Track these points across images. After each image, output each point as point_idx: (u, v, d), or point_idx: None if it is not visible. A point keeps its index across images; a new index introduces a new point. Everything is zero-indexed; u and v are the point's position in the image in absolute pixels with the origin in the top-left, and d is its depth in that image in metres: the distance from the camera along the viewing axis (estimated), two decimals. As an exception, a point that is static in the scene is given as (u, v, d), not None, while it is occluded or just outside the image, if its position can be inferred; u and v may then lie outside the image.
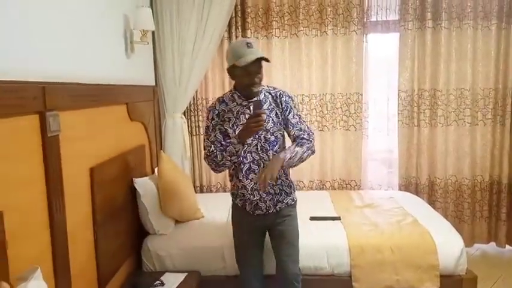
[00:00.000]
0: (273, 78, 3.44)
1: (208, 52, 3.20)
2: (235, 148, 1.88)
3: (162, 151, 2.95)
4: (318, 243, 2.38)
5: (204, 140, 2.02)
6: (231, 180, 2.12)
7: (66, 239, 1.64)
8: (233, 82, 2.05)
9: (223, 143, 1.95)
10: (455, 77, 3.39)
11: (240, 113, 1.98)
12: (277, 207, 2.06)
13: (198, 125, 3.53)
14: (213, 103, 2.05)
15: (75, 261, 1.70)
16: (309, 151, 2.02)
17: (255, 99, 1.94)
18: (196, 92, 3.43)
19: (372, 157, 3.72)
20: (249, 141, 1.94)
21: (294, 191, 2.15)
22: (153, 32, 3.01)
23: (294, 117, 2.01)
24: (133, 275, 2.38)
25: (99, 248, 1.96)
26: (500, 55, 3.33)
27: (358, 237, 2.39)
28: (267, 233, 2.16)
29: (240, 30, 3.40)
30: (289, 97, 2.05)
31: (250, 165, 1.98)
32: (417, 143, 3.48)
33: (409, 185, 3.53)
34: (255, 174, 1.98)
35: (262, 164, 1.98)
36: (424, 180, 3.49)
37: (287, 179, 2.11)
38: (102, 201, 2.02)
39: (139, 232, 2.54)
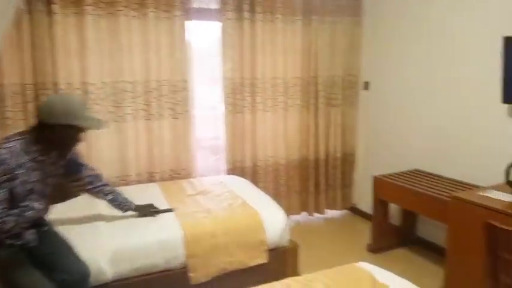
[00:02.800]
0: (88, 62, 3.06)
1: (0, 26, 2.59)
2: (39, 213, 1.77)
3: None
4: (151, 239, 2.25)
5: None
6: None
7: None
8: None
9: (21, 206, 1.72)
10: (269, 67, 3.70)
11: (37, 169, 1.79)
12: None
13: (-8, 117, 2.87)
14: (2, 154, 1.68)
15: None
16: None
17: (72, 158, 2.00)
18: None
19: (201, 145, 3.77)
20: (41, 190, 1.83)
21: None
22: None
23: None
24: None
25: None
26: (304, 48, 3.80)
27: (193, 226, 2.37)
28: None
29: (43, 4, 2.88)
30: None
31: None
32: (241, 128, 3.69)
33: (235, 169, 3.72)
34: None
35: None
36: (248, 163, 3.73)
37: None
38: None
39: None
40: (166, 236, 2.28)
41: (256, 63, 3.64)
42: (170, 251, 2.25)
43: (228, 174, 3.68)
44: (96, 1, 3.04)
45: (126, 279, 2.15)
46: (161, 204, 2.67)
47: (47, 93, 2.96)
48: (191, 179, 3.37)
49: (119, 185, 3.27)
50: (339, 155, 4.06)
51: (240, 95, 3.63)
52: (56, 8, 2.91)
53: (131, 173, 3.33)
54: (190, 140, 3.53)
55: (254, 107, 3.71)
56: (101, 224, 2.35)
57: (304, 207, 4.06)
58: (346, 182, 4.17)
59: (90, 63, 3.07)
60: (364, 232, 3.62)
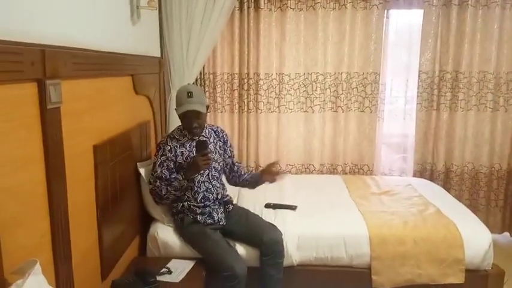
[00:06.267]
0: (285, 54, 3.22)
1: (218, 24, 2.93)
2: (180, 184, 2.06)
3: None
4: (335, 231, 2.23)
5: (151, 174, 2.16)
6: (173, 204, 2.22)
7: (68, 226, 1.45)
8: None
9: (168, 177, 2.12)
10: (478, 59, 3.19)
11: (192, 147, 2.18)
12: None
13: (205, 102, 3.31)
14: (163, 139, 2.24)
15: (77, 249, 1.52)
16: None
17: (200, 139, 2.16)
18: (204, 66, 3.20)
19: (385, 141, 3.55)
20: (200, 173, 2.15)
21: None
22: (160, -3, 2.77)
23: (230, 150, 2.38)
24: (137, 261, 2.21)
25: (103, 233, 1.78)
26: (529, 37, 3.13)
27: (379, 226, 2.24)
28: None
29: (252, 1, 3.15)
30: (226, 133, 2.40)
31: (204, 194, 2.20)
32: (435, 127, 3.31)
33: (424, 172, 3.37)
34: (209, 201, 2.21)
35: (215, 192, 2.23)
36: (441, 166, 3.33)
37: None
38: (105, 183, 1.82)
39: (144, 215, 2.37)
40: (350, 232, 2.22)
41: (460, 55, 3.19)
42: (354, 247, 2.18)
43: (415, 176, 3.37)
44: (298, -4, 3.16)
45: (310, 265, 2.20)
46: (344, 199, 2.64)
47: (249, 82, 3.26)
48: (375, 176, 3.22)
49: (302, 173, 3.40)
50: None
51: (437, 90, 3.25)
52: (262, 4, 3.15)
53: (314, 162, 3.39)
54: (375, 136, 3.36)
55: (454, 104, 3.27)
56: (287, 212, 2.43)
57: (507, 226, 3.39)
58: None
59: (286, 55, 3.23)
60: None
